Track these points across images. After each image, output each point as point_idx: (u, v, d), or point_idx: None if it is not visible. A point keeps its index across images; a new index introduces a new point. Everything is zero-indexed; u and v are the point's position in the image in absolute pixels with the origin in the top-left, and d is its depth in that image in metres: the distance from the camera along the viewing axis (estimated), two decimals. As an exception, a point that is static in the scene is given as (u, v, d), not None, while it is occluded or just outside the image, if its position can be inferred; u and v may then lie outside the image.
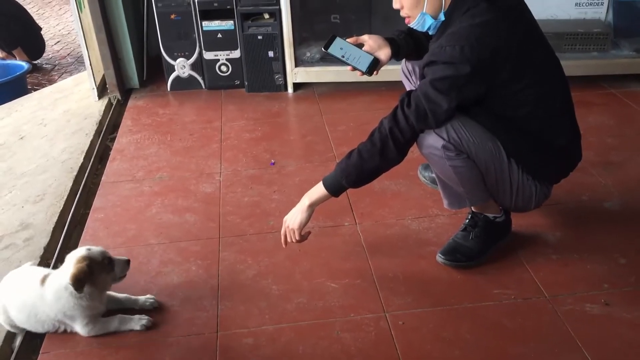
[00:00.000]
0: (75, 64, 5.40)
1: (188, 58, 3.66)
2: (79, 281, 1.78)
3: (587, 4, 3.55)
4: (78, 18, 3.43)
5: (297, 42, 3.58)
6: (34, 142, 3.28)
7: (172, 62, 3.68)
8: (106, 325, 1.90)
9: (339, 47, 1.99)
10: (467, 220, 2.15)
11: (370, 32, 2.09)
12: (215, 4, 3.48)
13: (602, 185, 2.54)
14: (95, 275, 1.83)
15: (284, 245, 2.05)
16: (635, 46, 3.46)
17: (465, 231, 2.14)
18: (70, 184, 2.75)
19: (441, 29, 1.87)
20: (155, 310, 1.98)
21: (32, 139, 3.32)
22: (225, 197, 2.62)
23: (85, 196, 2.75)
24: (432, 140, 1.87)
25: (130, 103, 3.65)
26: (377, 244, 2.27)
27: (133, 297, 2.00)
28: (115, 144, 3.18)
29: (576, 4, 3.55)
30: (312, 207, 1.97)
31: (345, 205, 2.47)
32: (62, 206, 2.59)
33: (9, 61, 5.11)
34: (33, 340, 1.95)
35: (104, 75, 3.66)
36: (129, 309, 1.97)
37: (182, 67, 3.69)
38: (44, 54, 5.58)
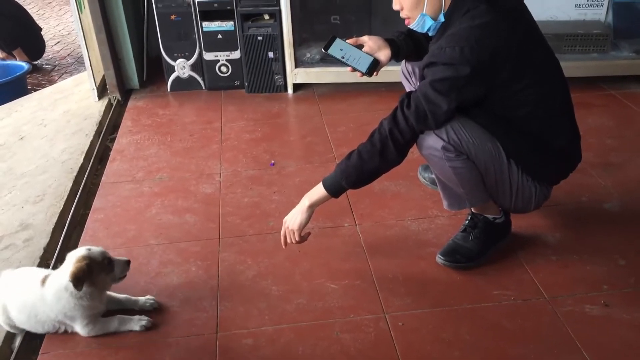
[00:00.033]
0: (75, 64, 5.40)
1: (188, 59, 3.66)
2: (78, 279, 1.78)
3: (587, 5, 3.55)
4: (78, 18, 3.43)
5: (297, 43, 3.58)
6: (34, 143, 3.28)
7: (172, 62, 3.68)
8: (106, 325, 1.91)
9: (338, 48, 1.99)
10: (467, 221, 2.16)
11: (370, 33, 2.09)
12: (216, 5, 3.48)
13: (601, 187, 2.54)
14: (95, 275, 1.83)
15: (283, 246, 2.05)
16: (635, 47, 3.47)
17: (465, 232, 2.14)
18: (70, 185, 2.75)
19: (441, 30, 1.87)
20: (155, 311, 1.98)
21: (32, 140, 3.32)
22: (225, 198, 2.62)
23: (85, 197, 2.75)
24: (432, 141, 1.87)
25: (130, 104, 3.65)
26: (376, 245, 2.27)
27: (133, 297, 2.00)
28: (115, 144, 3.18)
29: (576, 5, 3.55)
30: (312, 208, 1.97)
31: (345, 206, 2.47)
32: (62, 207, 2.59)
33: (9, 61, 5.11)
34: (33, 340, 1.95)
35: (104, 76, 3.66)
36: (128, 309, 1.98)
37: (182, 67, 3.69)
38: (44, 55, 5.57)
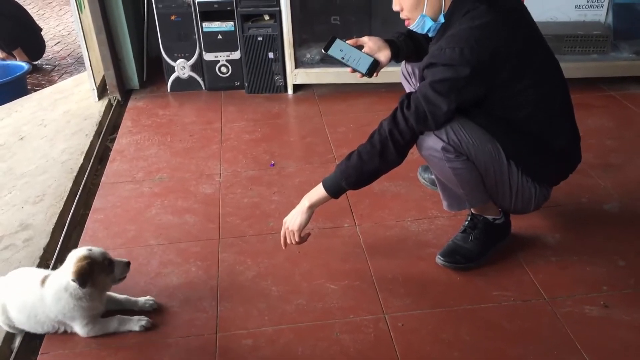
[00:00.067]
0: (75, 64, 5.40)
1: (188, 59, 3.67)
2: (82, 277, 1.78)
3: (587, 6, 3.55)
4: (78, 19, 3.43)
5: (297, 44, 3.58)
6: (33, 143, 3.28)
7: (172, 63, 3.68)
8: (105, 325, 1.91)
9: (338, 48, 2.00)
10: (467, 222, 2.16)
11: (370, 34, 2.10)
12: (216, 5, 3.48)
13: (601, 188, 2.54)
14: (95, 275, 1.83)
15: (283, 247, 2.05)
16: (635, 48, 3.47)
17: (464, 233, 2.14)
18: (70, 185, 2.75)
19: (441, 31, 1.87)
20: (154, 312, 1.98)
21: (32, 140, 3.33)
22: (225, 198, 2.62)
23: (85, 197, 2.75)
24: (432, 142, 1.87)
25: (130, 104, 3.65)
26: (376, 246, 2.27)
27: (133, 298, 2.00)
28: (115, 144, 3.18)
29: (576, 6, 3.55)
30: (312, 208, 1.97)
31: (345, 207, 2.47)
32: (61, 207, 2.59)
33: (9, 62, 5.11)
34: (32, 341, 1.95)
35: (104, 76, 3.66)
36: (128, 310, 1.97)
37: (182, 68, 3.69)
38: (44, 55, 5.57)
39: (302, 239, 2.01)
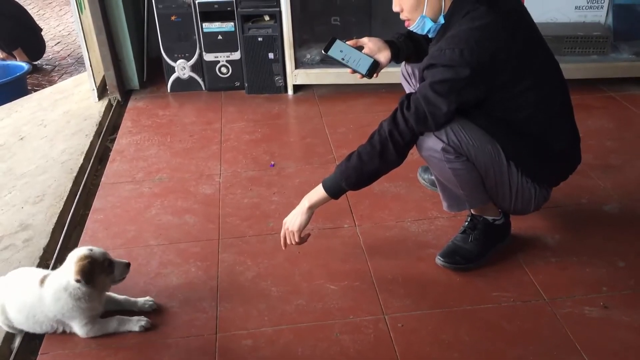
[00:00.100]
0: (76, 65, 5.40)
1: (188, 59, 3.67)
2: (85, 275, 1.78)
3: (587, 7, 3.55)
4: (78, 19, 3.43)
5: (297, 44, 3.58)
6: (33, 143, 3.28)
7: (172, 63, 3.69)
8: (105, 326, 1.90)
9: (339, 49, 2.00)
10: (467, 223, 2.16)
11: (370, 35, 2.10)
12: (216, 6, 3.49)
13: (601, 189, 2.54)
14: (96, 275, 1.83)
15: (283, 248, 2.05)
16: (635, 49, 3.47)
17: (464, 234, 2.14)
18: (70, 185, 2.75)
19: (441, 32, 1.87)
20: (154, 312, 1.98)
21: (32, 140, 3.33)
22: (225, 199, 2.62)
23: (84, 197, 2.75)
24: (432, 143, 1.88)
25: (130, 104, 3.65)
26: (376, 246, 2.27)
27: (132, 298, 2.00)
28: (115, 145, 3.18)
29: (576, 7, 3.56)
30: (312, 209, 1.97)
31: (345, 207, 2.47)
32: (61, 207, 2.59)
33: (9, 62, 5.11)
34: (32, 341, 1.95)
35: (104, 77, 3.67)
36: (127, 310, 1.97)
37: (182, 68, 3.69)
38: (44, 55, 5.57)
39: (302, 240, 2.01)
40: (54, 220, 2.50)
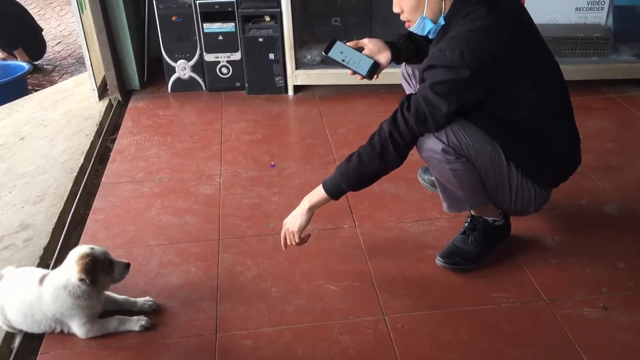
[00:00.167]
0: (76, 65, 5.40)
1: (189, 60, 3.67)
2: (88, 273, 1.79)
3: (587, 9, 3.55)
4: (79, 19, 3.43)
5: (298, 45, 3.59)
6: (34, 143, 3.28)
7: (172, 63, 3.69)
8: (105, 325, 1.91)
9: (339, 51, 2.00)
10: (467, 224, 2.16)
11: (370, 36, 2.10)
12: (217, 6, 3.49)
13: (601, 190, 2.55)
14: (96, 274, 1.83)
15: (283, 248, 2.05)
16: (635, 51, 3.47)
17: (464, 234, 2.14)
18: (70, 185, 2.75)
19: (441, 33, 1.87)
20: (154, 312, 1.98)
21: (32, 140, 3.33)
22: (225, 199, 2.62)
23: (85, 197, 2.76)
24: (432, 144, 1.88)
25: (131, 104, 3.66)
26: (376, 247, 2.27)
27: (132, 298, 2.00)
28: (115, 145, 3.18)
29: (576, 9, 3.56)
30: (312, 210, 1.97)
31: (345, 208, 2.47)
32: (62, 207, 2.59)
33: (9, 62, 5.11)
34: (32, 340, 1.95)
35: (104, 77, 3.67)
36: (127, 310, 1.97)
37: (182, 68, 3.69)
38: (45, 55, 5.58)
39: (302, 240, 2.02)
40: (54, 220, 2.50)
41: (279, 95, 3.63)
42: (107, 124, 3.40)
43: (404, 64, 2.27)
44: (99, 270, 1.83)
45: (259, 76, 3.62)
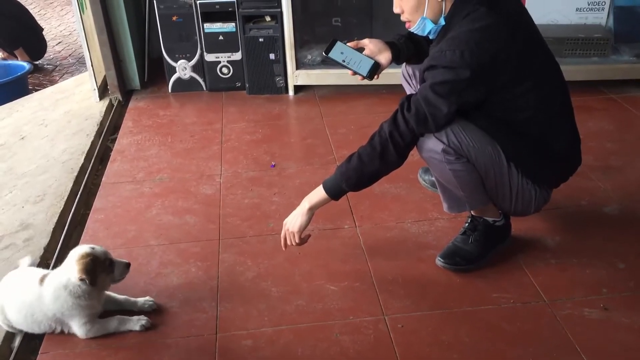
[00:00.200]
0: (77, 64, 5.40)
1: (189, 60, 3.67)
2: (88, 272, 1.79)
3: (588, 9, 3.55)
4: (80, 19, 3.44)
5: (298, 45, 3.59)
6: (34, 143, 3.29)
7: (173, 63, 3.69)
8: (105, 325, 1.91)
9: (339, 51, 2.00)
10: (467, 224, 2.16)
11: (371, 36, 2.10)
12: (217, 6, 3.49)
13: (601, 190, 2.55)
14: (97, 273, 1.83)
15: (283, 248, 2.06)
16: (636, 51, 3.47)
17: (464, 235, 2.14)
18: (71, 185, 2.75)
19: (441, 33, 1.87)
20: (154, 312, 1.99)
21: (32, 140, 3.33)
22: (226, 199, 2.62)
23: (85, 197, 2.76)
24: (432, 144, 1.88)
25: (131, 104, 3.66)
26: (376, 247, 2.27)
27: (132, 298, 2.00)
28: (115, 145, 3.18)
29: (577, 9, 3.56)
30: (312, 210, 1.97)
31: (345, 208, 2.47)
32: (62, 207, 2.59)
33: (10, 61, 5.12)
34: (32, 340, 1.96)
35: (105, 76, 3.67)
36: (127, 310, 1.98)
37: (183, 68, 3.70)
38: (46, 55, 5.58)
39: (303, 241, 2.02)
40: (55, 219, 2.50)
41: (279, 96, 3.64)
42: (107, 123, 3.40)
43: (404, 64, 2.27)
44: (99, 270, 1.84)
45: (260, 76, 3.62)
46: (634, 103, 3.32)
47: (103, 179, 2.85)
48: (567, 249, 2.20)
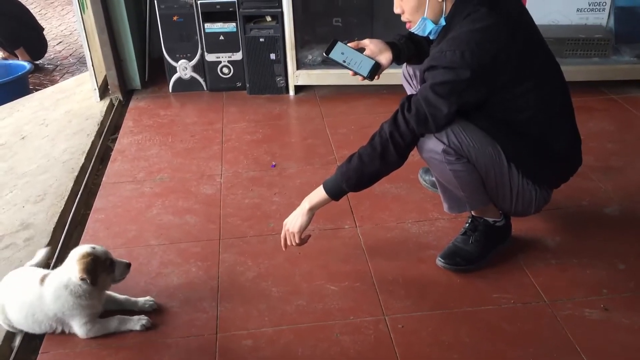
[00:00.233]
0: (77, 64, 5.41)
1: (190, 60, 3.67)
2: (89, 272, 1.79)
3: (589, 10, 3.55)
4: (80, 19, 3.44)
5: (299, 45, 3.59)
6: (35, 142, 3.29)
7: (174, 63, 3.69)
8: (106, 325, 1.91)
9: (340, 52, 1.99)
10: (467, 224, 2.16)
11: (371, 36, 2.10)
12: (218, 6, 3.49)
13: (602, 191, 2.55)
14: (98, 274, 1.83)
15: (283, 248, 2.06)
16: (636, 52, 3.47)
17: (465, 235, 2.14)
18: (71, 185, 2.76)
19: (442, 33, 1.87)
20: (154, 312, 1.99)
21: (33, 139, 3.33)
22: (226, 199, 2.63)
23: (85, 197, 2.76)
24: (433, 145, 1.88)
25: (132, 104, 3.66)
26: (377, 247, 2.27)
27: (133, 298, 2.00)
28: (116, 144, 3.18)
29: (578, 10, 3.56)
30: (313, 210, 1.97)
31: (346, 208, 2.47)
32: (62, 206, 2.59)
33: (11, 61, 5.12)
34: (32, 340, 1.96)
35: (105, 76, 3.67)
36: (128, 310, 1.98)
37: (183, 68, 3.70)
38: (46, 54, 5.58)
39: (302, 241, 2.02)
40: (55, 219, 2.50)
41: (280, 96, 3.64)
42: (108, 123, 3.40)
43: (405, 64, 2.27)
44: (100, 269, 1.84)
45: (260, 76, 3.62)
46: (635, 104, 3.32)
47: (103, 178, 2.85)
48: (568, 250, 2.20)
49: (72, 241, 2.43)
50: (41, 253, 2.14)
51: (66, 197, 2.66)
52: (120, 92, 3.67)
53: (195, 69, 3.70)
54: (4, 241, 2.40)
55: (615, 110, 3.28)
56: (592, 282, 2.04)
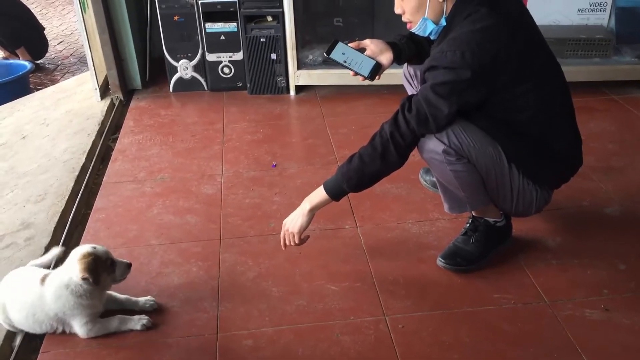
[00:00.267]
0: (78, 64, 5.41)
1: (191, 59, 3.67)
2: (91, 271, 1.79)
3: (590, 10, 3.55)
4: (81, 18, 3.44)
5: (300, 45, 3.59)
6: (35, 142, 3.29)
7: (174, 63, 3.69)
8: (106, 325, 1.91)
9: (341, 52, 1.99)
10: (468, 225, 2.16)
11: (372, 36, 2.10)
12: (219, 6, 3.49)
13: (602, 191, 2.55)
14: (99, 273, 1.83)
15: (283, 248, 2.06)
16: (637, 52, 3.47)
17: (465, 235, 2.14)
18: (72, 184, 2.76)
19: (442, 34, 1.87)
20: (155, 312, 1.99)
21: (34, 139, 3.33)
22: (227, 199, 2.63)
23: (86, 196, 2.76)
24: (433, 145, 1.88)
25: (133, 104, 3.66)
26: (377, 247, 2.27)
27: (133, 298, 2.01)
28: (117, 144, 3.18)
29: (579, 10, 3.56)
30: (313, 211, 1.97)
31: (346, 208, 2.47)
32: (63, 206, 2.59)
33: (11, 61, 5.13)
34: (33, 339, 1.96)
35: (106, 76, 3.67)
36: (128, 310, 1.98)
37: (184, 68, 3.70)
38: (47, 54, 5.59)
39: (302, 241, 2.02)
40: (56, 219, 2.50)
41: (280, 96, 3.64)
42: (108, 123, 3.40)
43: (405, 64, 2.27)
44: (101, 269, 1.84)
45: (261, 76, 3.62)
46: (636, 104, 3.31)
47: (104, 178, 2.85)
48: (568, 250, 2.20)
49: (73, 241, 2.43)
50: (53, 252, 2.15)
51: (67, 197, 2.66)
52: (121, 91, 3.68)
53: (196, 68, 3.70)
54: (4, 241, 2.40)
55: (616, 111, 3.28)
56: (592, 283, 2.04)
